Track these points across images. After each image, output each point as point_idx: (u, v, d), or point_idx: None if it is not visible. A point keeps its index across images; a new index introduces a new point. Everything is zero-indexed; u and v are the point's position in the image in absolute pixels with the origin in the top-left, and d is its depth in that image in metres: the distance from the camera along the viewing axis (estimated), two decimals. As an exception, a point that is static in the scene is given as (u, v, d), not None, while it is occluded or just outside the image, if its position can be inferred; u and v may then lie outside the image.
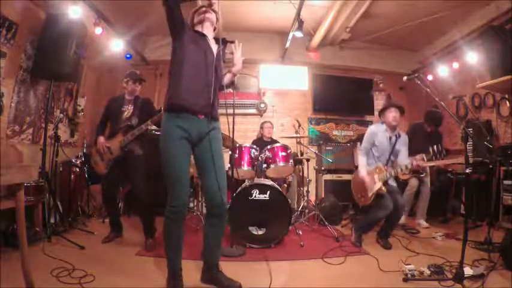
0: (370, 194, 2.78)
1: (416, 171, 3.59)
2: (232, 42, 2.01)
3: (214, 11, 1.98)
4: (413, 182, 3.61)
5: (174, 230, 1.77)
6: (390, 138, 2.88)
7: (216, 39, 1.97)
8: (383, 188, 2.70)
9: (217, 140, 1.87)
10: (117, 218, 2.92)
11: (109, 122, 2.87)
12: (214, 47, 1.93)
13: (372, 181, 2.78)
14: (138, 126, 2.69)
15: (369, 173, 2.84)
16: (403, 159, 2.85)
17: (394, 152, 2.88)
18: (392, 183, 2.87)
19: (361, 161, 2.92)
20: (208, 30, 1.96)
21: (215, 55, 1.90)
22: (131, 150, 2.71)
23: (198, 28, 1.97)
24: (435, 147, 2.44)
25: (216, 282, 1.83)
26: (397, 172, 2.73)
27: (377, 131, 2.92)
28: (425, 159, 2.51)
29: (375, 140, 2.90)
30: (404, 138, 2.95)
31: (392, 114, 2.84)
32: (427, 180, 3.64)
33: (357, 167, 3.13)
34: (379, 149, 2.89)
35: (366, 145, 2.93)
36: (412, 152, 3.68)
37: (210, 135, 1.82)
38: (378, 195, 2.73)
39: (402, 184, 3.64)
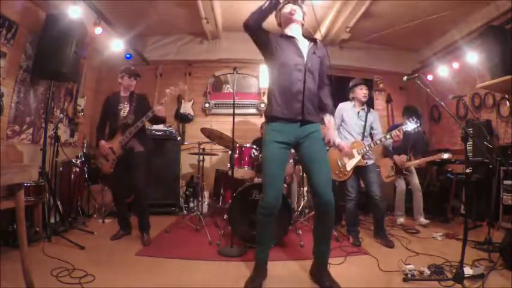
0: (349, 169, 2.84)
1: (399, 171, 3.63)
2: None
3: (299, 5, 1.94)
4: (401, 184, 3.68)
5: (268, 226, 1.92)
6: (358, 112, 2.96)
7: (307, 37, 1.97)
8: (363, 161, 2.80)
9: (318, 140, 1.91)
10: (126, 216, 2.94)
11: (108, 121, 2.88)
12: (304, 46, 1.91)
13: (350, 155, 2.83)
14: (135, 124, 2.71)
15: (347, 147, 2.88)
16: (378, 133, 2.95)
17: (367, 126, 2.93)
18: (372, 174, 2.87)
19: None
20: (295, 29, 1.95)
21: (306, 56, 1.88)
22: (131, 148, 2.75)
23: (286, 29, 1.95)
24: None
25: (321, 281, 1.86)
26: (376, 143, 2.80)
27: (345, 107, 3.02)
28: (403, 130, 2.64)
29: (343, 114, 2.98)
30: (375, 113, 3.03)
31: (363, 91, 2.96)
32: (415, 180, 3.67)
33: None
34: (348, 124, 2.94)
35: (335, 120, 3.01)
36: (393, 150, 3.67)
37: (310, 137, 1.87)
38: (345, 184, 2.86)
39: (393, 186, 3.78)
